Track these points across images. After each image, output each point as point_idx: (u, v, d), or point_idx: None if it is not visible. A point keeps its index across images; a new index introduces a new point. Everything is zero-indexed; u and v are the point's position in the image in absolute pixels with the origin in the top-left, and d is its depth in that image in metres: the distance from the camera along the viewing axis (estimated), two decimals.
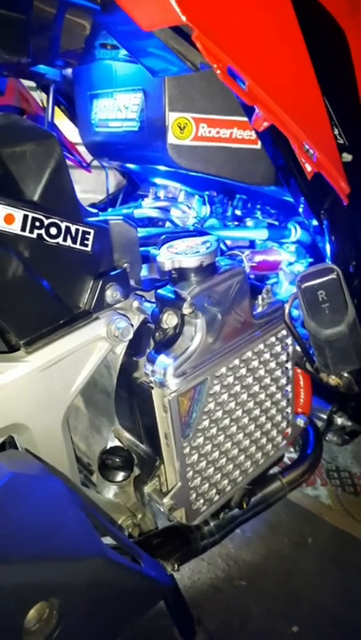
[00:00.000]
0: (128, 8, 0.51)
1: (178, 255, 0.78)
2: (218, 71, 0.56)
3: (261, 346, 0.90)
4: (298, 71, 0.64)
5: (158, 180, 1.21)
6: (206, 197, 1.25)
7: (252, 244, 1.23)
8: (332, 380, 0.84)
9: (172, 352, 0.80)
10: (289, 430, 1.07)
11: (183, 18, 0.51)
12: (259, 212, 1.32)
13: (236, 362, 0.87)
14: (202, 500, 0.93)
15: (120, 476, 0.90)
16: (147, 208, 1.07)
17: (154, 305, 0.83)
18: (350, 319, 0.68)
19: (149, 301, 0.85)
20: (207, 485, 0.92)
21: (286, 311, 0.78)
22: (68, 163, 1.52)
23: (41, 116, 1.33)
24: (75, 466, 0.87)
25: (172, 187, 1.16)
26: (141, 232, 0.96)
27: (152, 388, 0.82)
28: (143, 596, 0.68)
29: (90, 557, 0.58)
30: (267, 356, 0.93)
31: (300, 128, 0.66)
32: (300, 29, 0.63)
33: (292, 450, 1.33)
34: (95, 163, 1.36)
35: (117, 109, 0.96)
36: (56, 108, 1.26)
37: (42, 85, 1.14)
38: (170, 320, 0.80)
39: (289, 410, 1.05)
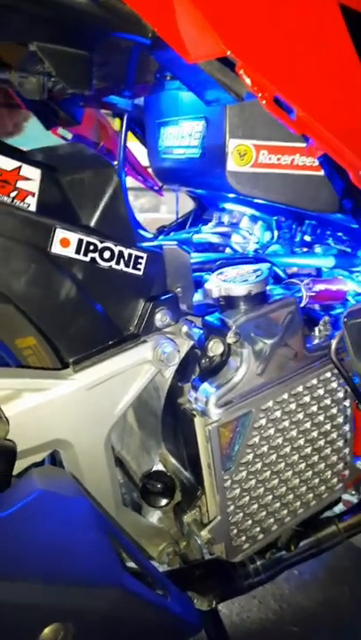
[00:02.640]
0: (172, 42, 0.52)
1: (226, 283, 0.77)
2: (263, 101, 0.55)
3: (315, 381, 0.86)
4: (353, 94, 0.61)
5: (228, 205, 1.21)
6: (274, 223, 1.22)
7: (319, 273, 1.18)
8: None
9: (216, 381, 0.79)
10: (346, 472, 1.00)
11: (227, 51, 0.51)
12: (330, 239, 1.27)
13: (285, 396, 0.83)
14: (244, 537, 0.89)
15: (160, 501, 0.89)
16: (206, 233, 1.07)
17: (202, 331, 0.82)
18: None
19: (199, 327, 0.84)
20: (250, 522, 0.89)
21: (333, 348, 0.74)
22: (129, 182, 1.58)
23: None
24: (117, 485, 0.87)
25: (237, 212, 1.15)
26: (198, 257, 0.96)
27: (194, 415, 0.80)
28: (165, 633, 0.66)
29: (107, 586, 0.57)
30: (321, 391, 0.88)
31: (356, 155, 0.62)
32: (354, 48, 0.60)
33: (353, 493, 1.24)
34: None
35: (181, 137, 0.97)
36: (131, 134, 1.32)
37: (116, 114, 1.20)
38: (215, 348, 0.79)
39: (347, 451, 0.98)
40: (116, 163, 1.20)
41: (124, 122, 1.12)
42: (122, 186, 1.22)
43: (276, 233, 1.23)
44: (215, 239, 1.05)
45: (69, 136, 1.33)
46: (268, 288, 0.81)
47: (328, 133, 0.60)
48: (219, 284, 0.77)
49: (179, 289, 0.87)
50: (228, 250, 1.08)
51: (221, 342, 0.78)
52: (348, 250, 1.24)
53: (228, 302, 0.78)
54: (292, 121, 0.58)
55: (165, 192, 1.55)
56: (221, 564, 0.97)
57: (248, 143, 0.86)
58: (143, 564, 0.68)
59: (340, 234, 1.27)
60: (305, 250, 1.21)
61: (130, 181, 1.54)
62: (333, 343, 0.74)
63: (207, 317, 0.81)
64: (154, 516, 0.97)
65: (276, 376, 0.81)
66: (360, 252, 1.16)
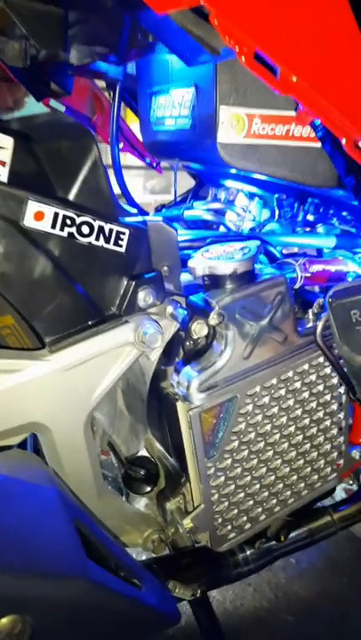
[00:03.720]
0: None
1: (210, 260, 0.72)
2: (242, 57, 0.50)
3: (306, 366, 0.81)
4: (346, 51, 0.55)
5: (227, 183, 1.16)
6: (275, 201, 1.17)
7: (319, 254, 1.12)
8: None
9: (200, 364, 0.75)
10: (341, 462, 0.96)
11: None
12: (335, 219, 1.20)
13: (274, 381, 0.79)
14: (229, 526, 0.86)
15: (142, 488, 0.86)
16: (199, 210, 1.02)
17: (186, 312, 0.78)
18: None
19: (185, 308, 0.80)
20: (236, 511, 0.85)
21: (318, 331, 0.69)
22: (138, 163, 1.52)
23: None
24: (98, 471, 0.84)
25: (234, 189, 1.10)
26: (187, 234, 0.92)
27: (177, 400, 0.77)
28: (138, 625, 0.63)
29: (69, 577, 0.54)
30: (313, 377, 0.83)
31: (350, 122, 0.57)
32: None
33: (351, 483, 1.20)
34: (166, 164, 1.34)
35: (172, 106, 0.92)
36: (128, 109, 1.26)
37: (109, 84, 1.14)
38: (199, 330, 0.75)
39: (342, 439, 0.93)
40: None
41: (117, 92, 1.07)
42: (115, 159, 1.17)
43: (276, 212, 1.17)
44: (208, 216, 1.00)
45: (62, 109, 1.28)
46: (257, 267, 0.77)
47: (318, 95, 0.54)
48: (203, 261, 0.73)
49: (165, 268, 0.83)
50: (221, 228, 1.02)
51: (205, 324, 0.74)
52: (353, 230, 1.18)
53: (213, 281, 0.74)
54: (276, 80, 0.52)
55: (179, 173, 1.48)
56: (210, 552, 0.94)
57: (240, 111, 0.81)
58: (115, 554, 0.65)
59: (344, 213, 1.21)
60: (308, 230, 1.15)
61: (135, 161, 1.49)
62: (319, 326, 0.69)
63: (192, 297, 0.77)
64: (140, 502, 0.94)
65: (263, 360, 0.77)
66: None
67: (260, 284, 0.73)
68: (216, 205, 1.01)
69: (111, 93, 1.18)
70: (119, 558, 0.66)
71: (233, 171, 0.85)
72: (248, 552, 0.97)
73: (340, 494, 1.29)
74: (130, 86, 1.13)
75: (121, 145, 1.40)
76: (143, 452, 0.91)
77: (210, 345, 0.76)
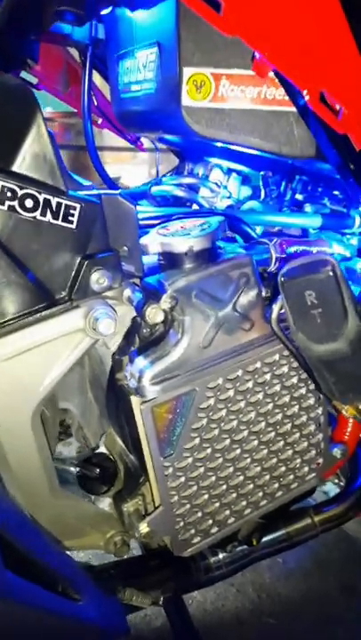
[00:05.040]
0: None
1: (164, 237, 0.64)
2: None
3: (277, 357, 0.73)
4: None
5: (210, 160, 1.07)
6: (261, 179, 1.08)
7: (304, 234, 1.04)
8: (346, 411, 0.64)
9: (153, 354, 0.67)
10: (320, 461, 0.88)
11: None
12: (326, 198, 1.12)
13: (239, 373, 0.71)
14: (193, 530, 0.79)
15: (97, 487, 0.79)
16: (167, 185, 0.93)
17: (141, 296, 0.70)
18: (351, 333, 0.49)
19: (141, 292, 0.72)
20: (200, 514, 0.78)
21: (273, 316, 0.61)
22: (121, 143, 1.43)
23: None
24: (50, 468, 0.78)
25: (213, 164, 1.01)
26: (152, 212, 0.84)
27: (131, 393, 0.69)
28: None
29: None
30: (284, 369, 0.75)
31: (314, 69, 0.48)
32: None
33: (337, 482, 1.12)
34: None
35: (137, 70, 0.83)
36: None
37: (80, 51, 1.06)
38: (153, 315, 0.67)
39: (320, 436, 0.86)
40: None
41: (87, 59, 0.98)
42: (87, 133, 1.09)
43: (262, 191, 1.09)
44: (179, 192, 0.92)
45: (35, 81, 1.20)
46: (222, 246, 0.69)
47: (271, 34, 0.45)
48: (156, 238, 0.65)
49: (124, 247, 0.75)
50: (195, 206, 0.94)
51: (160, 309, 0.66)
52: (344, 210, 1.09)
53: (169, 261, 0.66)
54: (220, 16, 0.44)
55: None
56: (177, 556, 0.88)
57: (205, 71, 0.72)
58: (51, 564, 0.58)
59: (336, 192, 1.12)
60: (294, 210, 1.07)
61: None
62: (274, 310, 0.61)
63: (147, 279, 0.69)
64: (104, 502, 0.87)
65: (226, 350, 0.69)
66: (354, 212, 1.01)
67: (221, 264, 0.65)
68: (188, 180, 0.92)
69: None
70: (55, 568, 0.59)
71: (198, 138, 0.77)
72: (220, 555, 0.91)
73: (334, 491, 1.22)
74: (101, 53, 1.05)
75: (100, 121, 1.32)
76: (102, 449, 0.84)
77: (167, 332, 0.68)
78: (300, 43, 0.47)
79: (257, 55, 0.51)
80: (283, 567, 1.40)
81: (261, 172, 1.08)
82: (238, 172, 0.97)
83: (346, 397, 0.56)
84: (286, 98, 0.73)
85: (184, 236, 0.64)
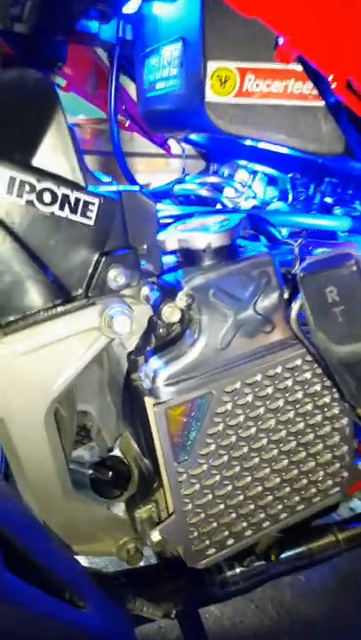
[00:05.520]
0: None
1: (182, 233, 0.62)
2: None
3: (299, 361, 0.69)
4: None
5: (241, 162, 1.05)
6: (288, 182, 1.05)
7: (333, 237, 1.00)
8: None
9: (169, 354, 0.65)
10: (345, 474, 0.83)
11: None
12: (358, 202, 1.08)
13: (258, 377, 0.68)
14: (207, 542, 0.75)
15: (110, 491, 0.77)
16: (190, 184, 0.91)
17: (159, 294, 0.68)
18: None
19: (159, 290, 0.70)
20: (215, 525, 0.75)
21: (292, 314, 0.57)
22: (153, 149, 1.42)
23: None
24: (64, 469, 0.76)
25: (238, 165, 0.99)
26: (173, 210, 0.82)
27: (145, 394, 0.67)
28: None
29: None
30: (307, 375, 0.71)
31: (335, 52, 0.45)
32: None
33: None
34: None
35: (162, 67, 0.82)
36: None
37: (107, 51, 1.06)
38: (170, 314, 0.65)
39: (345, 449, 0.81)
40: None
41: (114, 59, 0.98)
42: (113, 133, 1.09)
43: (290, 194, 1.06)
44: (202, 192, 0.90)
45: (63, 83, 1.21)
46: (243, 244, 0.66)
47: (295, 16, 0.43)
48: (174, 234, 0.62)
49: (143, 246, 0.73)
50: (218, 206, 0.92)
51: (177, 308, 0.64)
52: None
53: (187, 257, 0.64)
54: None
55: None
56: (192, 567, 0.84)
57: (230, 65, 0.70)
58: (54, 568, 0.56)
59: None
60: None
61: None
62: (294, 309, 0.57)
63: (165, 276, 0.67)
64: (118, 508, 0.85)
65: (245, 352, 0.66)
66: None
67: (241, 263, 0.63)
68: (212, 179, 0.90)
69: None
70: (59, 573, 0.57)
71: (224, 134, 0.74)
72: (237, 569, 0.87)
73: None
74: (130, 54, 1.04)
75: (127, 123, 1.31)
76: (117, 452, 0.82)
77: (183, 333, 0.66)
78: (325, 24, 0.44)
79: (280, 41, 0.48)
80: (304, 585, 1.34)
81: (289, 175, 1.05)
82: (265, 174, 0.94)
83: None
84: (314, 92, 0.71)
85: (202, 232, 0.61)
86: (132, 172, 1.09)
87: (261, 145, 0.80)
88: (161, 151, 1.50)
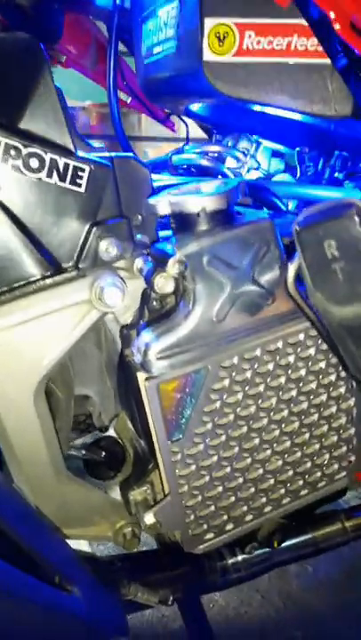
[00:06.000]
0: None
1: (174, 197, 0.58)
2: None
3: (302, 336, 0.65)
4: None
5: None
6: (296, 156, 1.00)
7: None
8: None
9: (163, 326, 0.61)
10: (352, 458, 0.79)
11: None
12: None
13: (258, 352, 0.64)
14: (205, 526, 0.72)
15: (103, 472, 0.74)
16: (190, 153, 0.87)
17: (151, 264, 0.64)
18: None
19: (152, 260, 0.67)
20: (213, 508, 0.71)
21: (290, 276, 0.53)
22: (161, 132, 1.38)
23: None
24: (56, 450, 0.73)
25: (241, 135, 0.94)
26: (168, 180, 0.78)
27: (137, 369, 0.64)
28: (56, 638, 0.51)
29: None
30: (311, 351, 0.67)
31: None
32: None
33: None
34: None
35: (159, 29, 0.78)
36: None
37: (106, 23, 1.02)
38: (163, 284, 0.61)
39: (352, 431, 0.77)
40: None
41: (113, 28, 0.94)
42: (112, 104, 1.05)
43: (298, 169, 1.01)
44: (203, 162, 0.85)
45: (63, 59, 1.18)
46: (242, 211, 0.62)
47: None
48: (166, 197, 0.59)
49: (138, 216, 0.70)
50: (219, 177, 0.87)
51: (171, 277, 0.60)
52: None
53: (180, 223, 0.60)
54: None
55: None
56: (192, 553, 0.81)
57: (229, 21, 0.66)
58: (41, 551, 0.53)
59: None
60: None
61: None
62: (291, 268, 0.53)
63: (158, 245, 0.63)
64: (115, 491, 0.82)
65: (243, 325, 0.62)
66: None
67: (238, 228, 0.59)
68: (212, 148, 0.86)
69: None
70: (46, 555, 0.54)
71: (223, 95, 0.70)
72: (239, 557, 0.84)
73: None
74: (129, 24, 1.00)
75: (129, 100, 1.28)
76: (112, 432, 0.79)
77: (178, 305, 0.62)
78: None
79: None
80: (313, 576, 1.30)
81: (297, 148, 1.01)
82: (277, 152, 0.89)
83: None
84: (319, 49, 0.66)
85: (197, 195, 0.57)
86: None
87: (265, 110, 0.76)
88: (169, 135, 1.46)
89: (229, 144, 0.93)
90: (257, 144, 0.89)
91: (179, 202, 0.57)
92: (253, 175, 0.87)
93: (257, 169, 0.87)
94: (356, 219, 0.40)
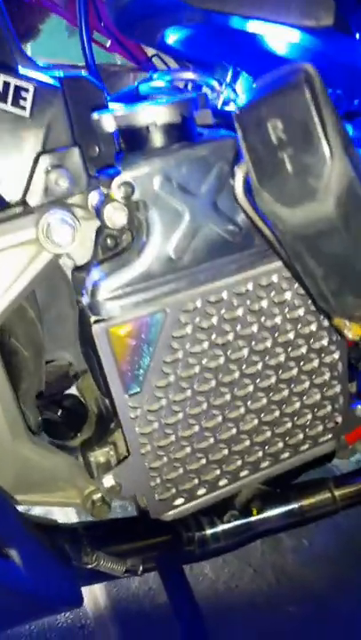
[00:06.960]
0: None
1: (122, 110, 0.50)
2: None
3: (275, 277, 0.58)
4: None
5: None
6: None
7: None
8: (350, 329, 0.48)
9: (114, 264, 0.54)
10: (339, 419, 0.72)
11: None
12: None
13: (224, 295, 0.56)
14: (173, 490, 0.66)
15: (62, 432, 0.68)
16: (159, 81, 0.78)
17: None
18: (336, 184, 0.31)
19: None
20: (181, 471, 0.65)
21: (237, 182, 0.44)
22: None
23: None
24: (14, 409, 0.67)
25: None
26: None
27: (89, 315, 0.57)
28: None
29: None
30: (287, 295, 0.59)
31: None
32: None
33: None
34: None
35: None
36: None
37: None
38: (113, 215, 0.53)
39: (338, 389, 0.70)
40: None
41: None
42: (82, 39, 0.96)
43: None
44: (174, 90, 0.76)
45: None
46: (203, 126, 0.54)
47: None
48: (114, 111, 0.51)
49: (95, 146, 0.62)
50: None
51: (121, 206, 0.53)
52: None
53: (130, 141, 0.52)
54: None
55: None
56: (168, 522, 0.75)
57: None
58: None
59: None
60: None
61: None
62: (239, 172, 0.44)
63: (108, 171, 0.55)
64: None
65: (206, 263, 0.55)
66: None
67: (196, 146, 0.50)
68: (185, 75, 0.76)
69: None
70: None
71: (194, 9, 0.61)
72: (220, 528, 0.77)
73: None
74: None
75: (108, 44, 1.18)
76: (74, 390, 0.73)
77: (132, 240, 0.54)
78: None
79: None
80: (308, 550, 1.24)
81: None
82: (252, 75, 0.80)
83: (343, 303, 0.40)
84: None
85: (146, 106, 0.49)
86: None
87: (243, 27, 0.67)
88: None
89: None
90: (236, 74, 0.80)
91: (126, 115, 0.49)
92: (229, 108, 0.78)
93: (234, 101, 0.78)
94: (306, 88, 0.31)
